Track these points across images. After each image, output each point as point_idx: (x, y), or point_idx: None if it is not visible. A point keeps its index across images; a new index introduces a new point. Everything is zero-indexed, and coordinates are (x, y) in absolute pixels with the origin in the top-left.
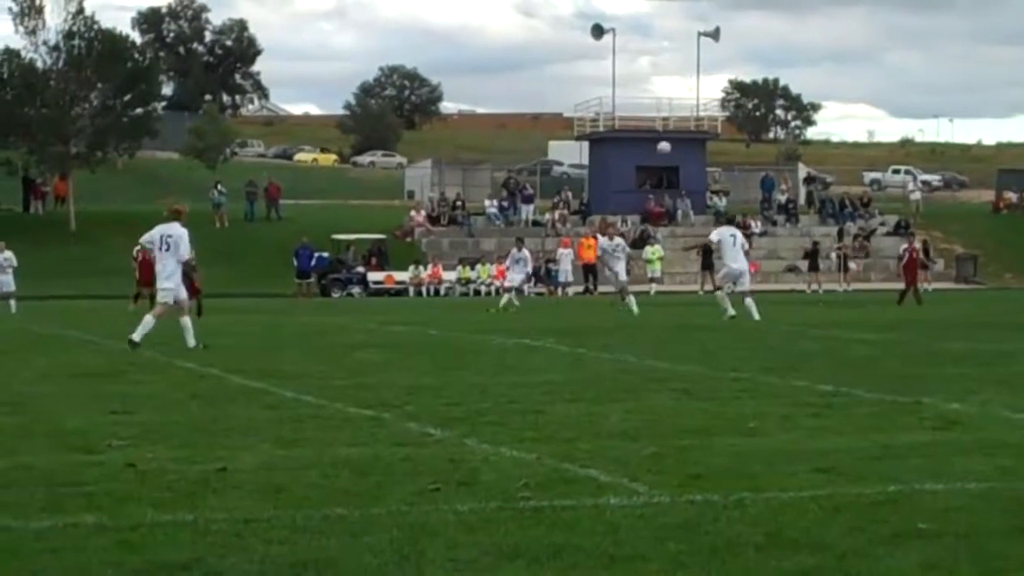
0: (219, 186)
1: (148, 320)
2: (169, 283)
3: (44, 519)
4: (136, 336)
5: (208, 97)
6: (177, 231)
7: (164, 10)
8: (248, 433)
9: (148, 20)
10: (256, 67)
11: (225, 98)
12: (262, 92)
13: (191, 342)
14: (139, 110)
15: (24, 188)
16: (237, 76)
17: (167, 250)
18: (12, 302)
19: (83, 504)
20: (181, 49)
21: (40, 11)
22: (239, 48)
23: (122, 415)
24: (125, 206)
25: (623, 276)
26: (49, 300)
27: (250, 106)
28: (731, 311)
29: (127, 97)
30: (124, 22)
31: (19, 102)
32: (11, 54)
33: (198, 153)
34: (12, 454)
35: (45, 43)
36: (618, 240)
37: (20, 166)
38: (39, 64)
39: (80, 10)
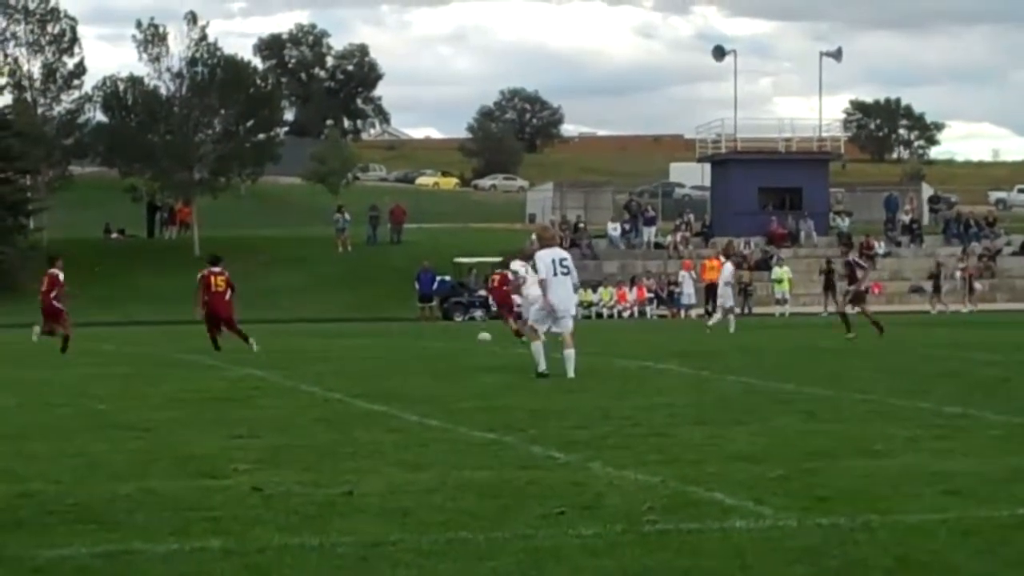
0: (343, 211)
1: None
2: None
3: (171, 543)
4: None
5: (330, 122)
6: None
7: (285, 36)
8: (373, 457)
9: (270, 46)
10: (377, 92)
11: (347, 123)
12: (383, 116)
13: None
14: (261, 136)
15: (149, 214)
16: (358, 101)
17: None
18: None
19: (210, 528)
20: (303, 75)
21: (164, 38)
22: (360, 73)
23: (248, 439)
24: (248, 231)
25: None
26: (174, 325)
27: (372, 131)
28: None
29: (249, 123)
30: (246, 48)
31: (143, 129)
32: (135, 81)
33: (320, 178)
34: (140, 478)
35: (168, 70)
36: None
37: (145, 192)
38: (163, 91)
39: (203, 37)
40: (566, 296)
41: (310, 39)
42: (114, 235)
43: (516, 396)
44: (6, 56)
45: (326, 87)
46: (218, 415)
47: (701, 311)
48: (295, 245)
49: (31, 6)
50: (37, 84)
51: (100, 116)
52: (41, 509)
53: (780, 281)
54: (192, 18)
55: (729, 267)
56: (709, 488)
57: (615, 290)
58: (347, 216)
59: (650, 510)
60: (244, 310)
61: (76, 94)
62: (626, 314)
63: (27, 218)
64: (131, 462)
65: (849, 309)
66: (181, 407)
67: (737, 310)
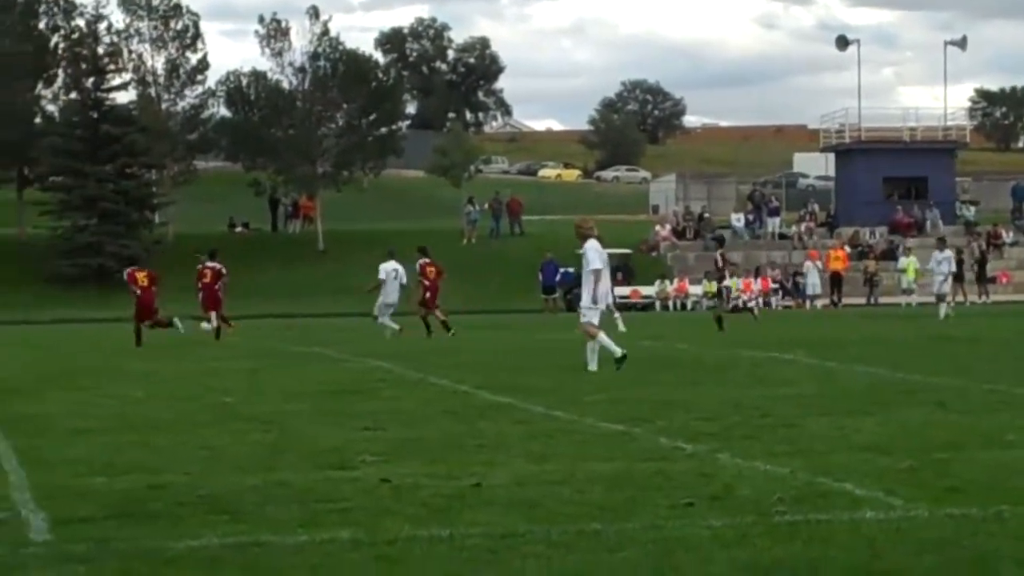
0: (473, 203)
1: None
2: None
3: (301, 534)
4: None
5: (452, 115)
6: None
7: (406, 30)
8: (500, 449)
9: (391, 40)
10: (498, 84)
11: (468, 116)
12: (505, 109)
13: None
14: (384, 129)
15: (272, 208)
16: (480, 93)
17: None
18: None
19: (339, 519)
20: (424, 68)
21: (286, 33)
22: (481, 66)
23: (375, 431)
24: (371, 225)
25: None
26: (299, 318)
27: (493, 123)
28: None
29: (372, 116)
30: (367, 43)
31: (266, 123)
32: (258, 76)
33: (443, 171)
34: (269, 471)
35: (291, 64)
36: None
37: (268, 187)
38: (285, 85)
39: (325, 31)
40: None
41: (431, 32)
42: (238, 229)
43: (642, 388)
44: (130, 52)
45: (447, 80)
46: (345, 407)
47: (826, 301)
48: (418, 238)
49: (155, 3)
50: (161, 80)
51: (223, 111)
52: (172, 501)
53: (906, 271)
54: (314, 13)
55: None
56: (838, 479)
57: (740, 281)
58: (477, 208)
59: (779, 501)
60: (369, 303)
61: (199, 89)
62: (751, 305)
63: (152, 212)
64: (259, 454)
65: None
66: (307, 400)
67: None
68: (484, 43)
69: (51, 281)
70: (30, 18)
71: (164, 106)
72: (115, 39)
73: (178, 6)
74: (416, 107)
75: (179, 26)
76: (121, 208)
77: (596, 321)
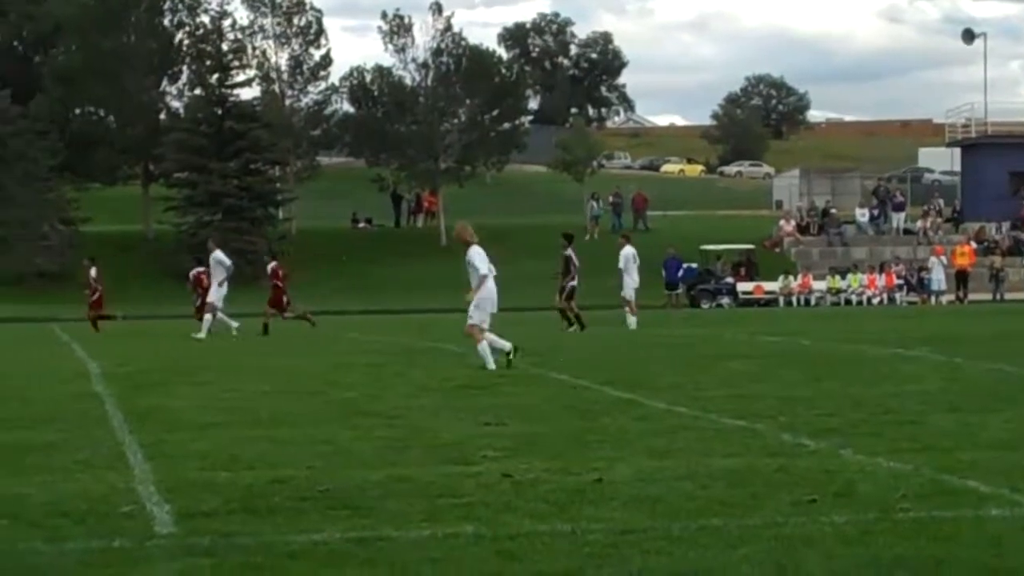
0: (596, 199)
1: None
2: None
3: (424, 529)
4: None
5: (574, 110)
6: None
7: (529, 25)
8: (621, 444)
9: (513, 35)
10: (621, 79)
11: (591, 111)
12: (627, 104)
13: None
14: (506, 125)
15: (394, 204)
16: (602, 89)
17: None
18: None
19: (461, 514)
20: (547, 63)
21: (409, 29)
22: (604, 61)
23: (496, 427)
24: (494, 220)
25: None
26: (421, 313)
27: (616, 118)
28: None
29: (495, 112)
30: (490, 38)
31: (389, 119)
32: (381, 72)
33: (565, 166)
34: (392, 465)
35: (414, 60)
36: None
37: (391, 182)
38: (408, 81)
39: (448, 27)
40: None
41: (553, 28)
42: (361, 224)
43: (765, 383)
44: (254, 49)
45: (570, 75)
46: (466, 403)
47: (952, 297)
48: (540, 233)
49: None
50: (284, 76)
51: (347, 107)
52: (294, 495)
53: None
54: (437, 8)
55: None
56: (963, 476)
57: (864, 276)
58: (600, 203)
59: (903, 498)
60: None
61: (323, 85)
62: (875, 300)
63: (276, 208)
64: (381, 449)
65: None
66: (429, 395)
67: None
68: (607, 38)
69: (176, 276)
70: (155, 15)
71: (288, 102)
72: (239, 36)
73: (301, 2)
74: (538, 102)
75: (302, 22)
76: (245, 204)
77: (486, 325)
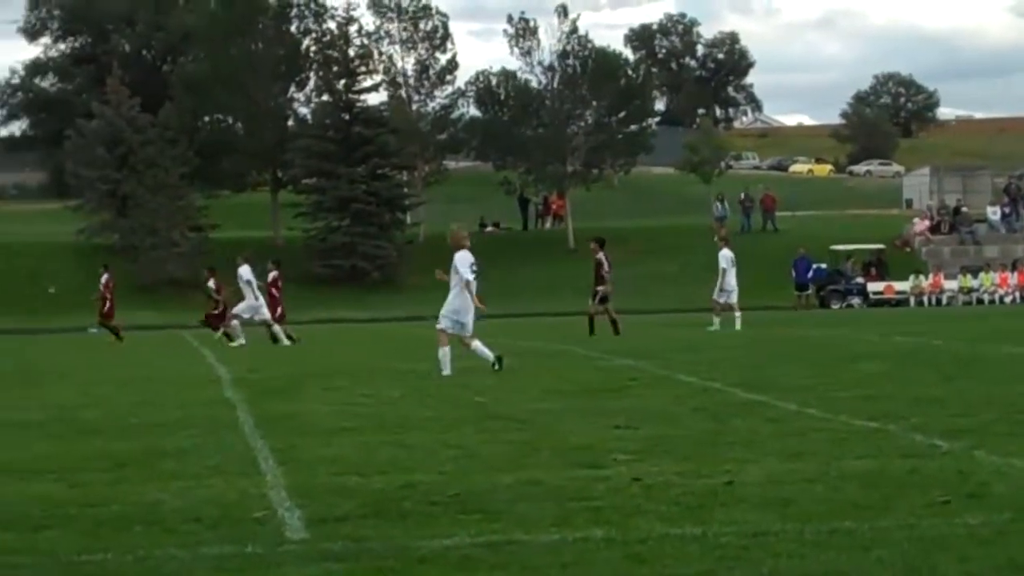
0: (722, 200)
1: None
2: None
3: (554, 533)
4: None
5: (701, 111)
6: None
7: (655, 26)
8: (752, 446)
9: (639, 37)
10: (748, 79)
11: (718, 111)
12: (755, 104)
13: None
14: (633, 127)
15: (521, 207)
16: (729, 89)
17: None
18: None
19: (591, 518)
20: (673, 64)
21: (535, 32)
22: (731, 61)
23: (626, 430)
24: (621, 222)
25: None
26: (547, 317)
27: (743, 118)
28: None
29: (621, 114)
30: (616, 40)
31: (516, 123)
32: (507, 75)
33: (693, 167)
34: (521, 469)
35: (540, 63)
36: None
37: (518, 186)
38: (534, 84)
39: (573, 30)
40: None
41: (679, 28)
42: (489, 228)
43: (896, 384)
44: (380, 54)
45: (697, 76)
46: (596, 406)
47: None
48: (668, 235)
49: (404, 4)
50: (411, 81)
51: (473, 111)
52: (424, 499)
53: None
54: (563, 11)
55: None
56: None
57: (996, 275)
58: (725, 204)
59: None
60: (620, 301)
61: (449, 90)
62: (1008, 299)
63: (404, 213)
64: (511, 453)
65: None
66: (558, 398)
67: None
68: (733, 38)
69: (305, 282)
70: (282, 22)
71: (414, 107)
72: (365, 41)
73: (427, 7)
74: (665, 103)
75: (428, 27)
76: (373, 209)
77: (449, 330)
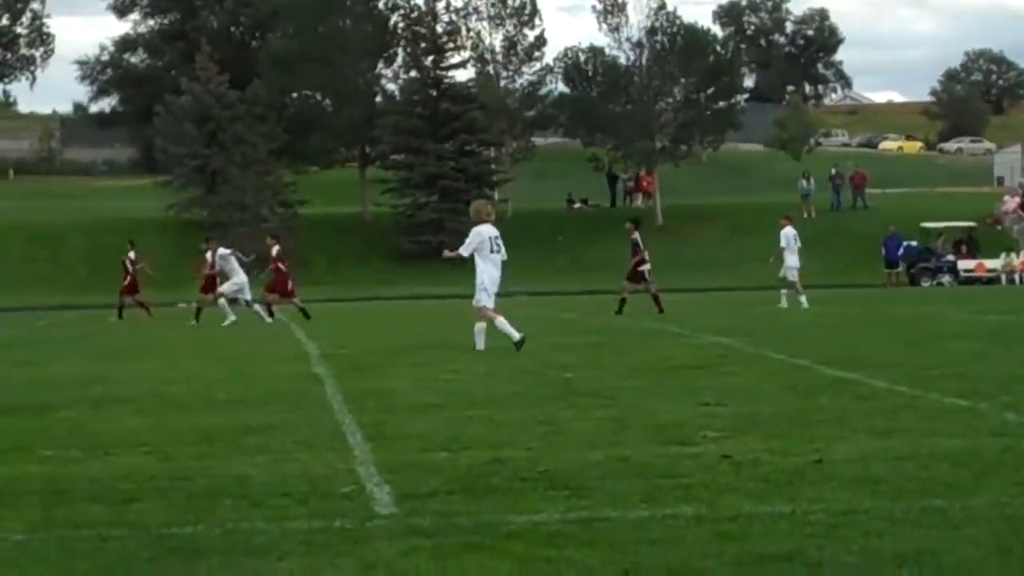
0: (808, 177)
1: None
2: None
3: (642, 510)
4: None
5: (790, 88)
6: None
7: (744, 2)
8: (841, 424)
9: (728, 13)
10: (838, 56)
11: (807, 88)
12: (845, 81)
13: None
14: (722, 103)
15: (609, 184)
16: (819, 66)
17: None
18: None
19: (680, 495)
20: (762, 41)
21: (623, 8)
22: (820, 38)
23: (715, 407)
24: (709, 199)
25: None
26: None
27: (833, 95)
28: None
29: (710, 90)
30: (704, 16)
31: (604, 99)
32: (595, 52)
33: (782, 144)
34: (610, 446)
35: (628, 40)
36: None
37: (606, 162)
38: (622, 61)
39: (662, 6)
40: (498, 275)
41: (768, 5)
42: (577, 205)
43: (987, 363)
44: (468, 30)
45: (786, 52)
46: (684, 383)
47: None
48: (756, 212)
49: None
50: (499, 57)
51: (561, 87)
52: (513, 475)
53: None
54: None
55: None
56: None
57: None
58: (811, 181)
59: None
60: (708, 279)
61: (537, 66)
62: None
63: (492, 189)
64: (599, 430)
65: None
66: (646, 375)
67: None
68: (823, 14)
69: (393, 258)
70: None
71: (502, 83)
72: (453, 17)
73: None
74: (754, 80)
75: (516, 3)
76: (461, 185)
77: (491, 304)
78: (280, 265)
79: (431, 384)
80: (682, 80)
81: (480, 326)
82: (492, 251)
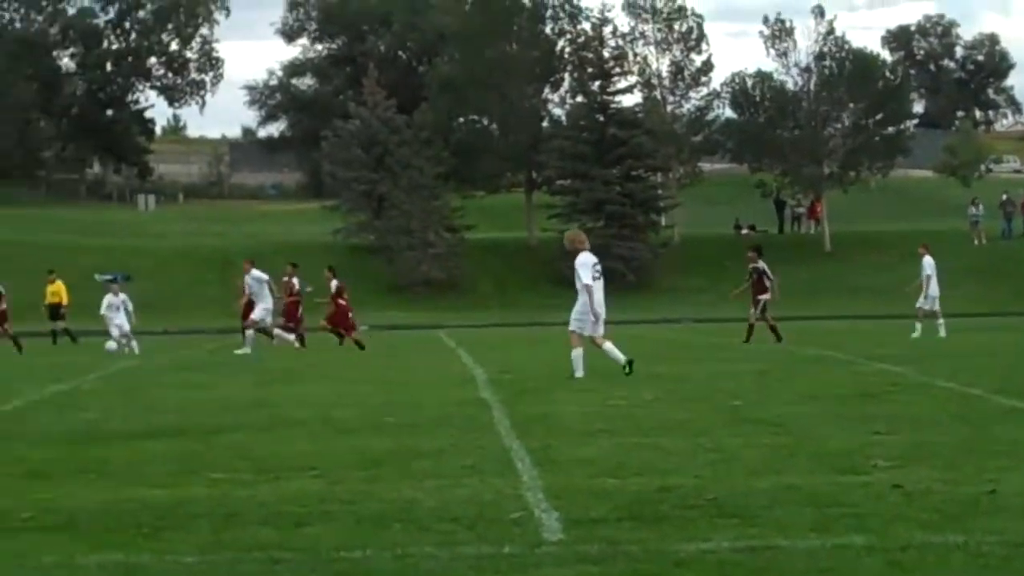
0: (978, 203)
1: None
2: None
3: (813, 539)
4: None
5: (961, 113)
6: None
7: (913, 27)
8: (1016, 454)
9: (897, 38)
10: (1008, 81)
11: (978, 114)
12: (1015, 107)
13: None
14: (891, 129)
15: (777, 209)
16: (989, 91)
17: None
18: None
19: (851, 525)
20: (932, 66)
21: (791, 33)
22: (991, 63)
23: (885, 436)
24: (877, 226)
25: None
26: (802, 321)
27: (1004, 121)
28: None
29: (879, 116)
30: (873, 41)
31: (771, 124)
32: (763, 77)
33: (952, 171)
34: (778, 473)
35: (796, 65)
36: None
37: (774, 188)
38: (790, 86)
39: (830, 31)
40: (602, 299)
41: (938, 30)
42: (744, 231)
43: None
44: (635, 55)
45: (956, 78)
46: (854, 411)
47: None
48: (925, 239)
49: (659, 5)
50: (666, 82)
51: (728, 112)
52: (681, 503)
53: None
54: (819, 12)
55: None
56: None
57: None
58: (981, 208)
59: None
60: (875, 305)
61: (704, 91)
62: None
63: (658, 215)
64: (767, 457)
65: None
66: (815, 403)
67: None
68: (993, 39)
69: (559, 283)
70: (537, 23)
71: (669, 108)
72: (620, 42)
73: (682, 8)
74: (924, 106)
75: (683, 28)
76: (627, 211)
77: (600, 331)
78: (340, 300)
79: (597, 409)
80: (851, 105)
81: (577, 352)
82: (594, 278)
